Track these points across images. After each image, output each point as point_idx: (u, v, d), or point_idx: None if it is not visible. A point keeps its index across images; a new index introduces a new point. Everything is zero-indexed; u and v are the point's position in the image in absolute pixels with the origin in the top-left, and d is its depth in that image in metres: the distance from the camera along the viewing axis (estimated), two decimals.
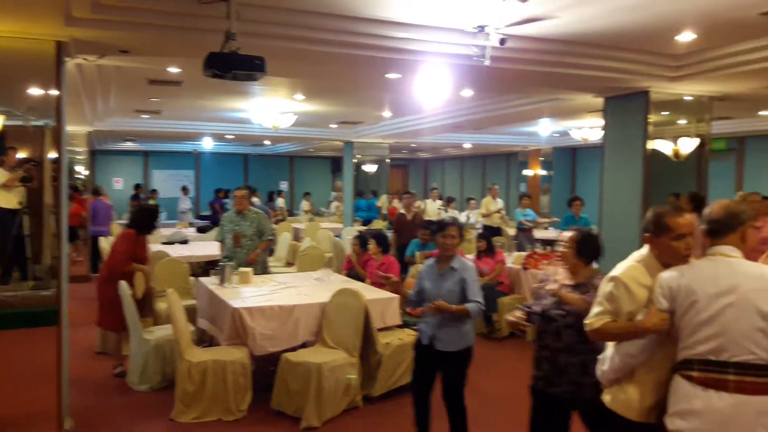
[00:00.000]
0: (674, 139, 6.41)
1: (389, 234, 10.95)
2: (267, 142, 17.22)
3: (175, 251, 8.22)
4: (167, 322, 5.39)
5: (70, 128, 9.40)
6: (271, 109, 9.66)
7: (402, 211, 9.69)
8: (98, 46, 4.56)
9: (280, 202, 16.87)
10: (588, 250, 3.11)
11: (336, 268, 7.99)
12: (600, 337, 2.58)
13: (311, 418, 4.51)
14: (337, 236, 10.97)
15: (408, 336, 5.32)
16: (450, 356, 3.83)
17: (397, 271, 6.55)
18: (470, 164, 20.06)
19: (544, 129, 12.77)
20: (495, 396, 5.30)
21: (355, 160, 13.93)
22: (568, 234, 3.19)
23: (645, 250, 2.60)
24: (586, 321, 2.61)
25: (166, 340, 5.25)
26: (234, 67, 3.96)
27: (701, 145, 6.52)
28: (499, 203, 11.38)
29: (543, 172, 16.33)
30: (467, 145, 15.56)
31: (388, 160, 14.18)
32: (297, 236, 11.79)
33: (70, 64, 4.90)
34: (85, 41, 4.33)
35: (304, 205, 16.76)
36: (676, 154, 6.39)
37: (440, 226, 4.03)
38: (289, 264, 9.52)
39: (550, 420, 3.17)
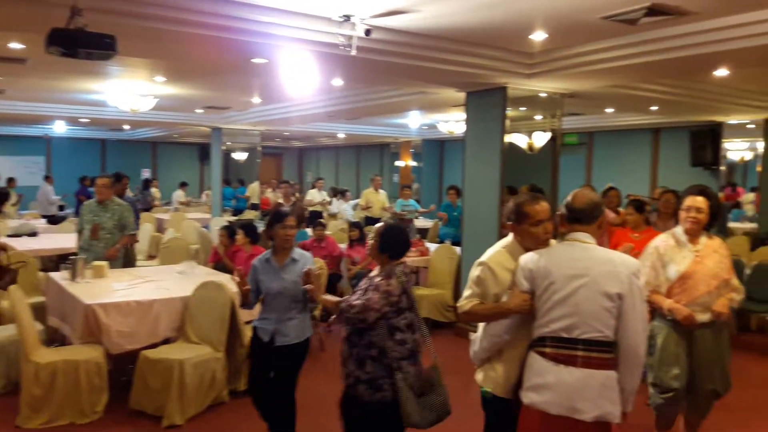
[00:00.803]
0: (529, 133, 6.82)
1: (262, 225, 10.78)
2: (126, 127, 16.20)
3: (23, 244, 7.59)
4: (12, 322, 4.94)
5: None
6: (128, 92, 9.08)
7: (280, 200, 9.57)
8: None
9: (155, 191, 16.08)
10: (389, 245, 3.04)
11: (203, 261, 7.71)
12: (470, 318, 2.76)
13: (174, 415, 4.35)
14: (204, 227, 10.59)
15: None
16: (291, 349, 3.73)
17: None
18: (345, 154, 20.17)
19: (414, 121, 13.12)
20: None
21: (224, 148, 13.46)
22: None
23: (510, 237, 2.79)
24: (458, 304, 2.76)
25: (9, 341, 4.83)
26: (81, 44, 3.66)
27: (553, 139, 6.99)
28: (382, 194, 11.39)
29: (414, 163, 16.79)
30: (341, 135, 15.61)
31: (259, 148, 13.84)
32: (161, 227, 11.23)
33: None
34: None
35: (179, 195, 16.04)
36: (531, 147, 6.81)
37: (278, 216, 3.85)
38: (151, 257, 9.05)
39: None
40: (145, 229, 9.56)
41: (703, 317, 3.60)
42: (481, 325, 2.79)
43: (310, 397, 5.00)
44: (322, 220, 8.54)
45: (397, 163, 17.07)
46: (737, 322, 7.02)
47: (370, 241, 3.10)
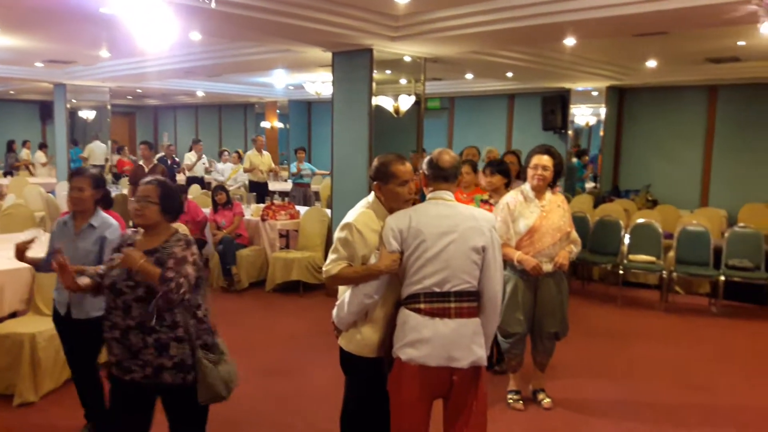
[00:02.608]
0: (395, 96, 6.93)
1: (116, 188, 10.10)
2: None
3: None
4: None
5: None
6: None
7: (141, 162, 9.02)
8: None
9: (24, 153, 14.79)
10: (172, 206, 2.75)
11: (49, 229, 7.10)
12: (338, 282, 2.69)
13: (27, 393, 4.07)
14: (50, 192, 9.72)
15: None
16: (88, 323, 3.30)
17: (122, 227, 6.04)
18: (205, 114, 19.27)
19: (279, 81, 12.80)
20: (228, 345, 5.30)
21: (69, 106, 12.32)
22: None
23: (371, 197, 2.77)
24: (324, 268, 2.68)
25: None
26: None
27: (418, 103, 7.16)
28: (266, 156, 10.82)
29: (280, 125, 16.44)
30: (200, 93, 14.86)
31: (109, 107, 12.83)
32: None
33: None
34: None
35: (39, 156, 14.65)
36: (397, 110, 6.94)
37: (69, 176, 3.48)
38: None
39: (130, 409, 2.74)
40: None
41: (548, 267, 3.94)
42: (342, 290, 2.77)
43: None
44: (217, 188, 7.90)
45: (263, 124, 16.60)
46: (582, 273, 7.79)
47: (138, 205, 2.67)
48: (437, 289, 2.56)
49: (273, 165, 11.06)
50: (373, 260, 2.63)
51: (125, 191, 9.78)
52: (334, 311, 2.76)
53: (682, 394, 4.47)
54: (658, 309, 6.73)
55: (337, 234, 2.69)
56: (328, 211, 7.33)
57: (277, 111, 16.32)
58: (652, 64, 8.83)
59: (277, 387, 4.46)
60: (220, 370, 2.70)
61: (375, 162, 2.77)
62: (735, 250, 6.66)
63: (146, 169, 8.90)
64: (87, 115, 12.96)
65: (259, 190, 9.95)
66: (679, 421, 4.05)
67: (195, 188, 10.73)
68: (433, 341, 2.55)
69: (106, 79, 11.37)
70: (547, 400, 4.21)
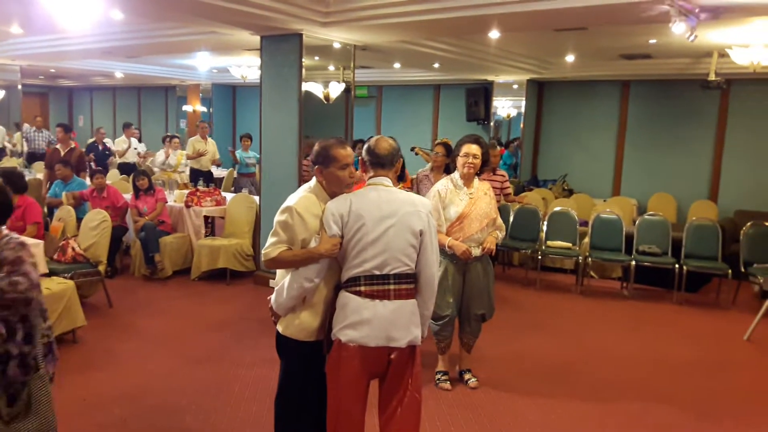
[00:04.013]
0: (325, 83, 6.93)
1: (29, 173, 9.56)
2: None
3: None
4: None
5: None
6: None
7: (57, 146, 8.58)
8: None
9: None
10: (2, 205, 2.59)
11: None
12: (277, 265, 2.70)
13: None
14: None
15: (57, 285, 4.82)
16: None
17: (37, 213, 5.78)
18: (123, 96, 18.46)
19: (203, 63, 12.45)
20: (154, 334, 5.21)
21: None
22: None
23: (313, 182, 2.79)
24: (264, 251, 2.68)
25: None
26: None
27: (347, 91, 7.19)
28: (211, 143, 10.14)
29: (203, 109, 16.00)
30: (119, 75, 14.23)
31: (20, 86, 12.10)
32: None
33: None
34: None
35: None
36: (326, 97, 6.94)
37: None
38: None
39: None
40: None
41: (476, 252, 4.11)
42: (280, 274, 2.78)
43: (99, 353, 4.73)
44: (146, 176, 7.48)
45: (185, 107, 16.10)
46: (503, 259, 8.10)
47: None
48: (377, 272, 2.63)
49: (217, 153, 10.37)
50: (313, 244, 2.66)
51: (39, 176, 9.29)
52: (272, 297, 2.77)
53: (598, 369, 4.77)
54: (574, 292, 7.10)
55: (277, 217, 2.70)
56: (256, 198, 7.24)
57: (200, 95, 15.88)
58: (570, 58, 9.22)
59: (207, 375, 4.41)
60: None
61: (316, 146, 2.77)
62: (645, 236, 7.11)
63: (62, 153, 8.50)
64: None
65: (204, 179, 9.29)
66: (595, 393, 4.32)
67: (114, 173, 10.31)
68: (373, 322, 2.62)
69: (17, 57, 10.71)
70: (474, 380, 4.39)
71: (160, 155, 9.95)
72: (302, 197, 2.72)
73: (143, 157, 11.35)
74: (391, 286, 2.65)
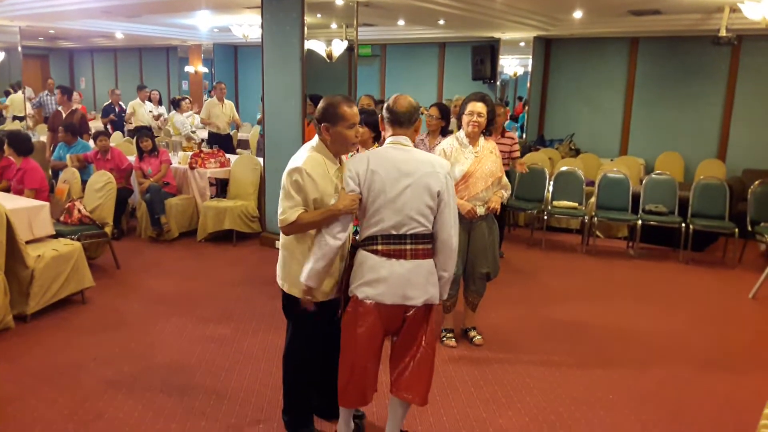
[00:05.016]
0: (327, 41, 6.81)
1: (33, 136, 9.52)
2: None
3: None
4: None
5: None
6: None
7: (59, 108, 8.53)
8: None
9: None
10: None
11: None
12: (298, 228, 2.68)
13: None
14: None
15: (65, 246, 4.85)
16: None
17: (36, 179, 5.77)
18: (125, 57, 18.25)
19: (204, 23, 12.25)
20: (162, 295, 5.26)
21: None
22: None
23: (315, 141, 2.75)
24: (280, 216, 2.66)
25: None
26: None
27: (350, 49, 7.07)
28: (228, 106, 9.78)
29: (204, 69, 15.82)
30: (119, 36, 14.04)
31: (20, 48, 11.94)
32: None
33: None
34: None
35: None
36: (329, 55, 6.83)
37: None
38: None
39: None
40: None
41: (481, 210, 4.10)
42: (289, 239, 2.76)
43: (107, 313, 4.78)
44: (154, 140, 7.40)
45: (187, 68, 15.91)
46: (509, 219, 8.09)
47: None
48: (394, 232, 2.64)
49: (236, 115, 10.03)
50: (332, 203, 2.66)
51: (43, 138, 9.26)
52: (303, 275, 2.71)
53: (603, 326, 4.80)
54: (580, 252, 7.11)
55: (287, 180, 2.66)
56: (260, 159, 7.21)
57: (202, 55, 15.68)
58: (578, 14, 9.02)
59: (215, 334, 4.46)
60: None
61: (322, 103, 2.73)
62: (651, 196, 7.08)
63: (64, 115, 8.46)
64: None
65: (220, 144, 9.04)
66: (599, 349, 4.36)
67: (117, 135, 10.24)
68: (390, 280, 2.65)
69: (15, 18, 10.55)
70: (478, 337, 4.43)
71: (181, 121, 9.80)
72: (308, 157, 2.69)
73: (164, 122, 10.99)
74: (408, 246, 2.66)
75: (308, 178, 2.63)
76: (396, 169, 2.64)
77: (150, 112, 11.15)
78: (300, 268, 2.73)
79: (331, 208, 2.64)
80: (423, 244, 2.68)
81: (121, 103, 11.31)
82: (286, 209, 2.65)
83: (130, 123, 10.94)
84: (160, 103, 12.02)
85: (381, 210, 2.63)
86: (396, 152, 2.70)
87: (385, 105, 2.79)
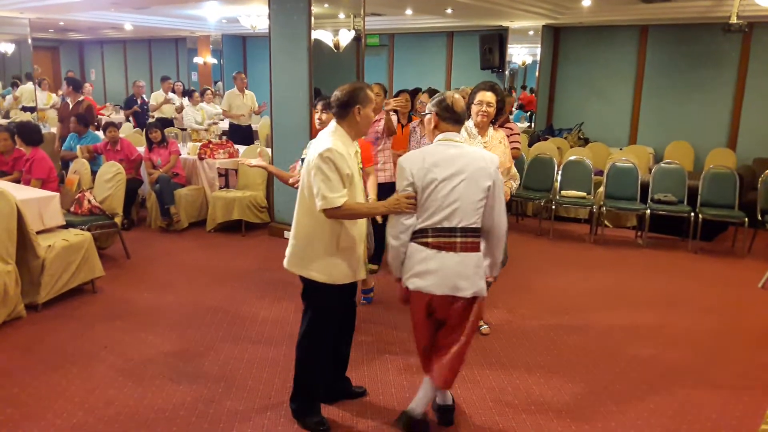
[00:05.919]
0: (335, 31, 6.80)
1: (43, 127, 9.59)
2: None
3: None
4: None
5: None
6: None
7: (68, 100, 8.59)
8: None
9: None
10: None
11: None
12: (341, 215, 2.81)
13: None
14: None
15: (75, 236, 4.90)
16: None
17: (43, 169, 5.81)
18: (134, 49, 18.31)
19: (212, 14, 12.25)
20: (172, 284, 5.30)
21: None
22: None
23: (333, 126, 2.90)
24: (323, 200, 2.74)
25: None
26: None
27: (358, 39, 7.06)
28: (249, 96, 9.70)
29: (213, 61, 15.84)
30: (128, 27, 14.09)
31: (29, 40, 12.01)
32: None
33: None
34: None
35: None
36: (336, 45, 6.83)
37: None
38: None
39: None
40: None
41: None
42: (302, 227, 2.91)
43: (118, 303, 4.83)
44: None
45: (196, 59, 15.94)
46: (517, 209, 8.07)
47: None
48: (446, 224, 2.76)
49: (257, 105, 9.90)
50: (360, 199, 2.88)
51: (53, 130, 9.31)
52: (391, 254, 2.92)
53: (611, 314, 4.80)
54: (588, 242, 7.09)
55: (320, 162, 2.76)
56: (268, 150, 7.23)
57: (210, 46, 15.69)
58: (587, 2, 8.93)
59: (224, 323, 4.50)
60: None
61: (348, 87, 2.89)
62: (660, 185, 7.04)
63: (71, 106, 8.50)
64: (5, 48, 12.13)
65: (240, 135, 8.98)
66: (607, 339, 4.36)
67: (127, 126, 10.28)
68: (440, 272, 2.78)
69: (25, 10, 10.60)
70: (485, 327, 4.44)
71: (189, 114, 9.82)
72: (333, 141, 2.82)
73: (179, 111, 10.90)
74: (458, 239, 2.78)
75: (339, 156, 2.76)
76: (451, 165, 2.77)
77: (173, 103, 11.05)
78: (317, 256, 2.88)
79: (376, 205, 2.85)
80: (472, 237, 2.80)
81: (144, 96, 11.34)
82: (331, 194, 2.76)
83: (153, 116, 10.91)
84: (183, 94, 11.93)
85: (435, 205, 2.76)
86: (449, 149, 2.82)
87: (443, 104, 2.88)
